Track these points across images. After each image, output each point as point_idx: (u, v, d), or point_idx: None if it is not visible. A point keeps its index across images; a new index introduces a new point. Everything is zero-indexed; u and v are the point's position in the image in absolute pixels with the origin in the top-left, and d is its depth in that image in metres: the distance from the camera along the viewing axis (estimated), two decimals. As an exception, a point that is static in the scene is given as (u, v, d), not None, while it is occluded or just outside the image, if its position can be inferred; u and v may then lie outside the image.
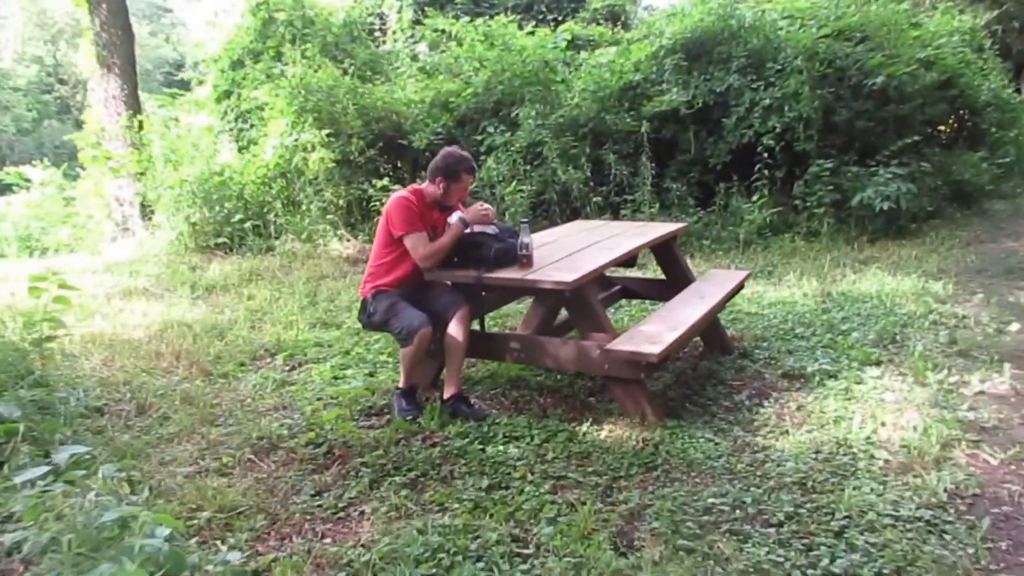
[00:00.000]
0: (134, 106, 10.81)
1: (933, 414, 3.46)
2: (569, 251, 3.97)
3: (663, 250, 4.68)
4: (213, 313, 6.09)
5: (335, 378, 4.46)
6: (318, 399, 4.10)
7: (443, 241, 3.67)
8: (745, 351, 4.58)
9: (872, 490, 2.86)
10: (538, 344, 3.71)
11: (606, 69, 9.16)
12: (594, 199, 8.19)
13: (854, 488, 2.87)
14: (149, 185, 9.49)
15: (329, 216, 8.42)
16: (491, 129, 9.03)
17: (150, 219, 10.01)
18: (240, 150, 9.95)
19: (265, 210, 8.69)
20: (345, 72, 9.50)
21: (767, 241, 7.85)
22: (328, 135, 8.55)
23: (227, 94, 11.07)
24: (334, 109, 8.83)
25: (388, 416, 3.81)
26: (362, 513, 2.87)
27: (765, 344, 4.69)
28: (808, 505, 2.76)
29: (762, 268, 6.94)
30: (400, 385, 3.79)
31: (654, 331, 3.51)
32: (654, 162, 8.33)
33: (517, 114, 8.84)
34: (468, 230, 3.76)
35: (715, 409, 3.74)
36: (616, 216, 8.26)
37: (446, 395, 3.72)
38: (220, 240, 8.47)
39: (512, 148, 8.54)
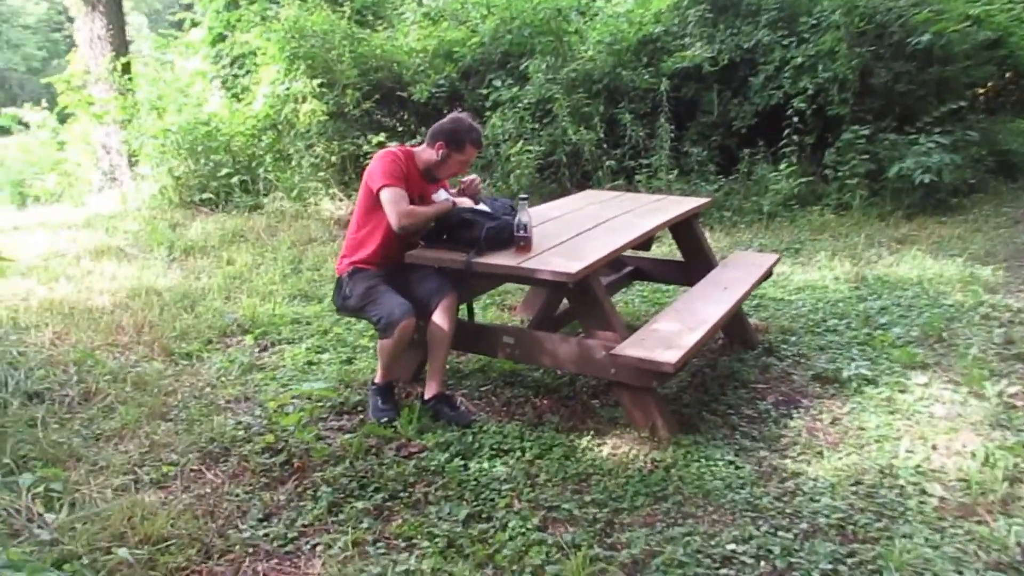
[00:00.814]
0: (120, 47, 10.21)
1: (995, 437, 2.98)
2: (575, 231, 3.46)
3: (683, 228, 4.16)
4: (188, 279, 5.63)
5: (309, 363, 4.01)
6: (285, 388, 3.66)
7: (425, 210, 3.20)
8: (771, 346, 4.09)
9: (927, 540, 2.39)
10: (535, 340, 3.23)
11: (624, 20, 8.49)
12: (607, 162, 7.62)
13: (904, 536, 2.41)
14: (133, 134, 8.96)
15: (321, 173, 7.89)
16: (497, 83, 8.43)
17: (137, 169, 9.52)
18: (236, 98, 9.38)
19: (254, 164, 8.17)
20: (344, 15, 8.85)
21: (793, 214, 7.29)
22: (320, 85, 7.97)
23: (221, 37, 10.45)
24: (329, 56, 8.22)
25: (361, 415, 3.36)
26: (314, 547, 2.42)
27: (793, 338, 4.19)
28: (850, 560, 2.30)
29: (788, 245, 6.40)
30: (376, 380, 3.33)
31: (670, 331, 3.02)
32: (673, 124, 7.73)
33: (526, 67, 8.23)
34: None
35: (736, 420, 3.26)
36: (630, 182, 7.70)
37: (427, 394, 3.26)
38: (205, 196, 7.97)
39: (520, 104, 7.96)
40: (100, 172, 10.48)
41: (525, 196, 3.13)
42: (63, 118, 11.26)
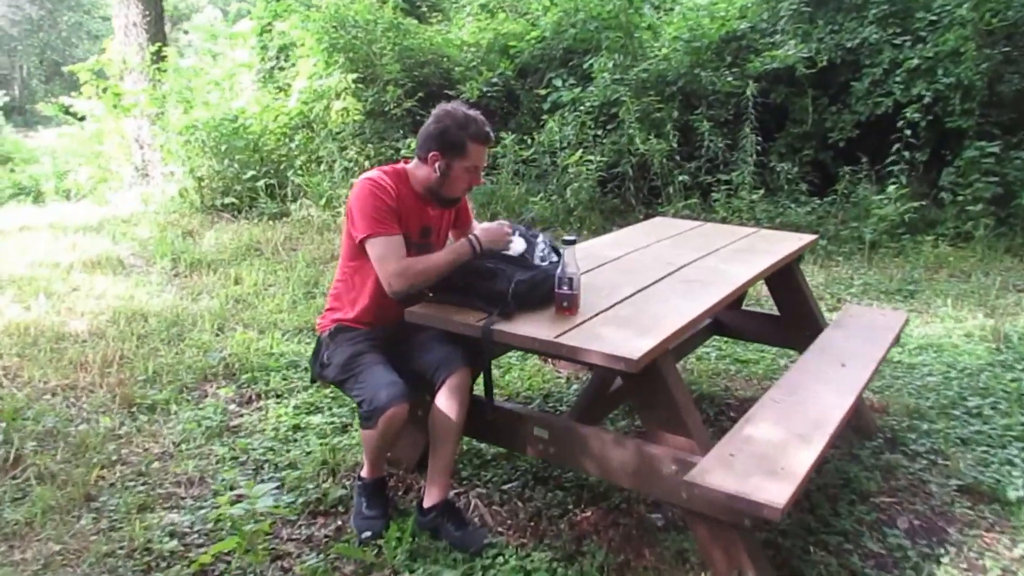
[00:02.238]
0: (157, 35, 9.75)
1: None
2: (638, 282, 2.59)
3: (781, 274, 3.24)
4: (184, 300, 4.95)
5: (295, 428, 3.24)
6: (255, 469, 2.89)
7: (434, 259, 2.36)
8: (893, 434, 3.15)
9: None
10: (577, 437, 2.37)
11: (704, 13, 7.56)
12: (679, 177, 6.70)
13: None
14: (160, 128, 8.43)
15: (354, 180, 7.15)
16: (558, 83, 7.61)
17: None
18: (283, 92, 8.76)
19: (283, 167, 7.51)
20: (389, 4, 8.14)
21: (901, 244, 6.24)
22: (356, 81, 7.26)
23: (268, 28, 9.90)
24: (370, 50, 7.52)
25: (344, 518, 2.56)
26: None
27: (923, 424, 3.23)
28: None
29: (900, 285, 5.38)
30: (363, 475, 2.52)
31: (771, 441, 2.12)
32: (759, 134, 6.75)
33: (590, 65, 7.38)
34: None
35: (857, 562, 2.35)
36: (705, 200, 6.76)
37: (427, 502, 2.43)
38: (228, 200, 7.34)
39: (581, 107, 7.11)
40: (133, 168, 10.04)
41: (572, 238, 2.28)
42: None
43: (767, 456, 2.05)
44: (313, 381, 2.58)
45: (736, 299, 3.18)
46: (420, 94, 7.58)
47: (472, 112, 2.43)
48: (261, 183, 7.29)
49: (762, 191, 6.51)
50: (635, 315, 2.28)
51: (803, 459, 2.03)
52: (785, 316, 3.42)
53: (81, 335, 4.30)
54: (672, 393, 2.18)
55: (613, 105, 7.07)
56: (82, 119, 13.21)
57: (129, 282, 5.28)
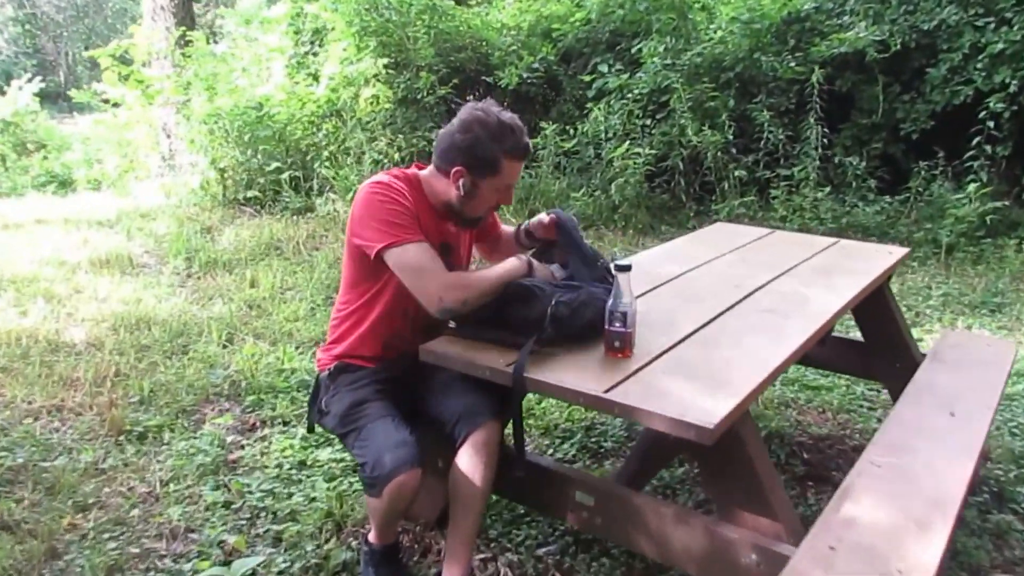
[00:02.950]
0: (185, 19, 9.48)
1: None
2: (703, 314, 2.14)
3: (869, 296, 2.76)
4: (195, 305, 4.62)
5: (301, 464, 2.86)
6: (250, 517, 2.52)
7: (487, 275, 1.94)
8: (1000, 487, 2.67)
9: None
10: (628, 507, 1.94)
11: (765, -8, 7.00)
12: (735, 171, 6.18)
13: None
14: (184, 117, 8.15)
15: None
16: (604, 68, 7.13)
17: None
18: (314, 78, 8.40)
19: (309, 158, 7.16)
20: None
21: (981, 249, 5.66)
22: (387, 66, 6.87)
23: (302, 11, 9.54)
24: (403, 33, 7.11)
25: (344, 590, 2.17)
26: None
27: (1039, 478, 2.74)
28: None
29: (983, 297, 4.83)
30: (371, 539, 2.11)
31: (882, 528, 1.67)
32: (825, 125, 6.20)
33: (639, 50, 6.88)
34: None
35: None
36: (762, 196, 6.23)
37: (445, 580, 2.02)
38: (252, 194, 7.02)
39: (629, 95, 6.63)
40: (160, 157, 9.81)
41: (626, 263, 1.85)
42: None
43: (877, 552, 1.60)
44: (310, 429, 2.17)
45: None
46: (455, 81, 7.16)
47: (508, 118, 1.97)
48: (286, 175, 6.95)
49: (828, 189, 5.96)
50: (703, 360, 1.83)
51: (925, 558, 1.58)
52: (871, 343, 2.95)
53: (77, 346, 3.99)
54: (753, 465, 1.73)
55: (663, 93, 6.58)
56: (115, 106, 13.04)
57: (137, 283, 4.97)
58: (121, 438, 3.07)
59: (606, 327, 1.83)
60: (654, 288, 2.36)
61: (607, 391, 1.66)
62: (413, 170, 2.08)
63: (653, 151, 6.28)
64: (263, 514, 2.55)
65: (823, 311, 2.16)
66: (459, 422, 1.93)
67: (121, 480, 2.79)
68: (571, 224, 2.14)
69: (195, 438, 3.07)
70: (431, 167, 2.06)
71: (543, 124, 6.79)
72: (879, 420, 3.17)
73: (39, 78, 14.47)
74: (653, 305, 2.20)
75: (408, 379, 2.07)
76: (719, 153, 6.19)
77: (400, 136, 6.91)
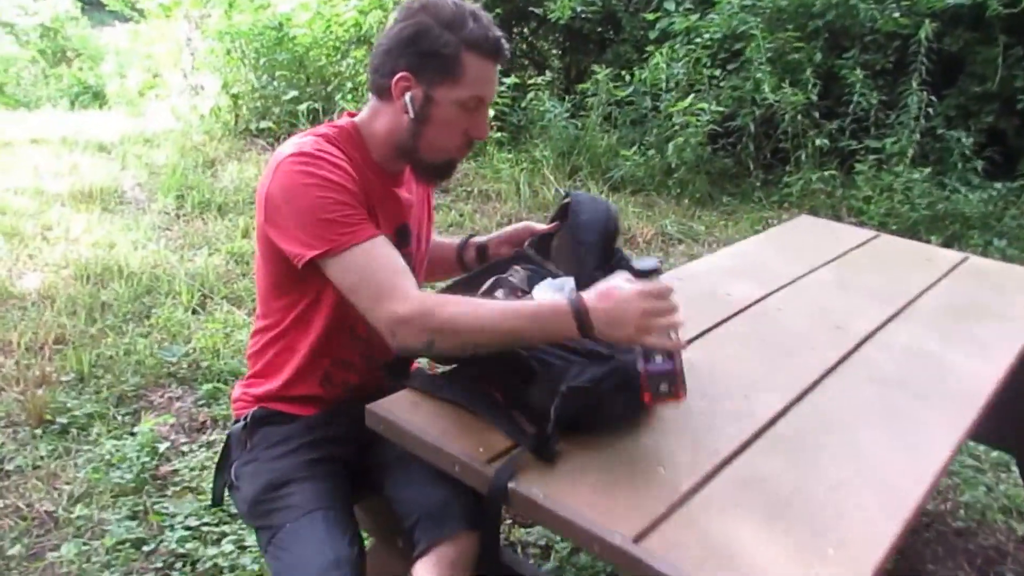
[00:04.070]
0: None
1: None
2: (787, 383, 1.48)
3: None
4: (174, 253, 4.07)
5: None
6: (161, 568, 1.98)
7: (491, 312, 1.23)
8: None
9: None
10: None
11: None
12: (816, 139, 5.37)
13: None
14: (203, 34, 7.54)
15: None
16: (670, 6, 6.30)
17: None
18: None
19: (331, 89, 6.50)
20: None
21: (1109, 251, 4.84)
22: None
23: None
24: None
25: None
26: None
27: None
28: None
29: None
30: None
31: None
32: (929, 90, 5.34)
33: (714, -14, 6.04)
34: (507, 290, 1.38)
35: None
36: (845, 171, 5.43)
37: None
38: (265, 124, 6.41)
39: (698, 40, 5.81)
40: (181, 74, 9.25)
41: (652, 265, 1.20)
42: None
43: None
44: (215, 503, 1.57)
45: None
46: (498, 10, 6.37)
47: (470, 5, 1.33)
48: (304, 106, 6.31)
49: (928, 168, 5.13)
50: (794, 483, 1.18)
51: None
52: (1008, 402, 2.26)
53: (28, 297, 3.48)
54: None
55: (738, 39, 5.75)
56: (143, 15, 12.43)
57: (117, 223, 4.44)
58: (39, 431, 2.55)
59: (642, 366, 1.18)
60: (716, 325, 1.70)
61: (640, 538, 1.03)
62: (345, 119, 1.42)
63: (720, 108, 5.49)
64: (180, 565, 2.01)
65: (974, 393, 1.49)
66: (420, 524, 1.32)
67: (22, 491, 2.28)
68: (599, 216, 1.49)
69: (128, 437, 2.54)
70: (367, 107, 1.41)
71: (595, 67, 6.02)
72: (989, 492, 2.50)
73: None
74: (713, 355, 1.55)
75: (357, 437, 1.45)
76: (798, 116, 5.38)
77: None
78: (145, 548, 2.05)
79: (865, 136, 5.42)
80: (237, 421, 1.51)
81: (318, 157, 1.28)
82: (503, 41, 1.33)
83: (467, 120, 1.34)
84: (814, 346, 1.61)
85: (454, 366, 1.37)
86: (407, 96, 1.31)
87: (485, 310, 1.23)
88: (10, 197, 4.67)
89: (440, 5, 1.30)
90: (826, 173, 5.28)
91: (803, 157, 5.38)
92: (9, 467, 2.38)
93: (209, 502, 2.20)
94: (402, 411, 1.30)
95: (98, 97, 11.27)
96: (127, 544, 2.05)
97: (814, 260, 2.16)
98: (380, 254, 1.27)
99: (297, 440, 1.43)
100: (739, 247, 2.32)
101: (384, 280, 1.25)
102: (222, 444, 1.53)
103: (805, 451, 1.26)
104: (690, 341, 1.60)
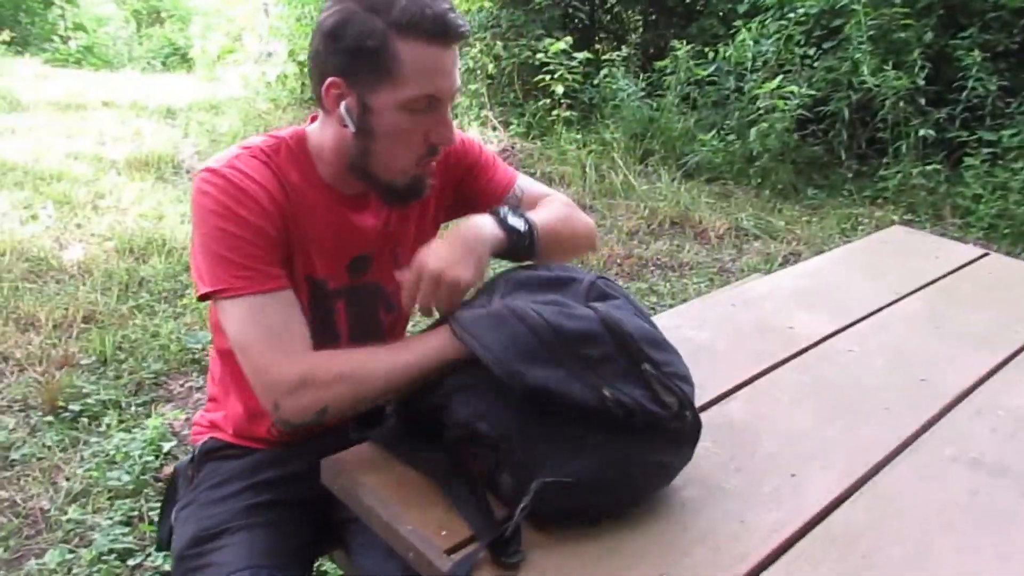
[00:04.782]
0: None
1: None
2: (852, 464, 1.20)
3: None
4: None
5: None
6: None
7: (379, 361, 1.03)
8: None
9: None
10: None
11: None
12: (919, 129, 4.88)
13: None
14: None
15: (473, 85, 5.85)
16: (763, -23, 5.84)
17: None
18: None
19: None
20: None
21: None
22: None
23: None
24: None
25: None
26: None
27: None
28: None
29: None
30: None
31: None
32: (1055, 77, 4.78)
33: (813, -43, 5.55)
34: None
35: None
36: (952, 165, 4.93)
37: None
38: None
39: (791, 15, 5.36)
40: (258, 40, 9.26)
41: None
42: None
43: None
44: (160, 547, 1.39)
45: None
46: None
47: None
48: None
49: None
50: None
51: None
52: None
53: (67, 269, 3.43)
54: None
55: (837, 15, 5.26)
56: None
57: (169, 194, 4.37)
58: (49, 419, 2.46)
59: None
60: (769, 369, 1.41)
61: None
62: (303, 127, 1.19)
63: (812, 91, 5.05)
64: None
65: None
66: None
67: (23, 484, 2.19)
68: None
69: (136, 429, 2.42)
70: (321, 115, 1.16)
71: (674, 43, 5.64)
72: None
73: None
74: (759, 410, 1.28)
75: (312, 480, 1.23)
76: (900, 102, 4.89)
77: (499, 44, 5.91)
78: (131, 561, 1.92)
79: (979, 127, 4.89)
80: (195, 447, 1.33)
81: (228, 180, 1.06)
82: (450, 16, 1.03)
83: (423, 124, 1.08)
84: (889, 406, 1.32)
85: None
86: (342, 106, 1.07)
87: (373, 353, 1.05)
88: (69, 163, 4.67)
89: None
90: (929, 167, 4.79)
91: (903, 148, 4.90)
92: (15, 456, 2.29)
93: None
94: (360, 471, 1.08)
95: (186, 60, 11.43)
96: (113, 555, 1.92)
97: (902, 285, 1.84)
98: (273, 312, 1.05)
99: (241, 481, 1.23)
100: (812, 264, 2.01)
101: (267, 348, 1.03)
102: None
103: (862, 559, 0.98)
104: (735, 389, 1.34)
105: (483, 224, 1.08)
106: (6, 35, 6.42)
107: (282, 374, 1.01)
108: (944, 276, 1.91)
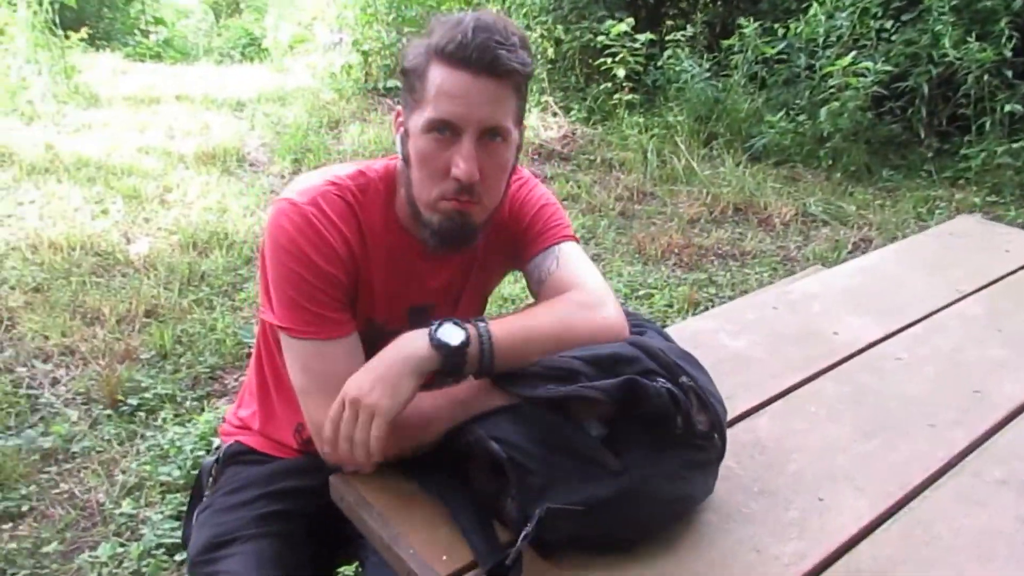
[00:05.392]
0: None
1: None
2: (890, 485, 1.12)
3: None
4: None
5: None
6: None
7: (425, 406, 1.02)
8: None
9: None
10: None
11: None
12: (1006, 104, 4.58)
13: None
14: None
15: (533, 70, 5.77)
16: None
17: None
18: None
19: (460, 45, 6.29)
20: None
21: None
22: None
23: None
24: None
25: None
26: None
27: None
28: None
29: None
30: None
31: None
32: None
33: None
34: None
35: None
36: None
37: None
38: (392, 83, 6.31)
39: (866, -14, 5.10)
40: (327, 30, 9.37)
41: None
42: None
43: None
44: (185, 547, 1.43)
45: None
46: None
47: (484, 12, 1.05)
48: (405, 39, 6.16)
49: None
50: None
51: None
52: None
53: (133, 263, 3.54)
54: None
55: (917, -15, 5.00)
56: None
57: (233, 188, 4.46)
58: (109, 412, 2.54)
59: None
60: (807, 380, 1.34)
61: None
62: (395, 162, 1.17)
63: (888, 67, 4.79)
64: None
65: None
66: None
67: (82, 476, 2.27)
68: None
69: (190, 423, 2.49)
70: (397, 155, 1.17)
71: (741, 21, 5.43)
72: None
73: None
74: (791, 425, 1.21)
75: (310, 514, 1.24)
76: (985, 75, 4.60)
77: (559, 27, 5.80)
78: (178, 556, 1.97)
79: (1071, 100, 4.58)
80: (223, 448, 1.36)
81: (307, 221, 1.07)
82: (498, 51, 0.99)
83: (447, 154, 1.04)
84: (935, 421, 1.23)
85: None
86: (398, 136, 1.10)
87: (418, 407, 1.02)
88: (140, 157, 4.81)
89: (442, 18, 1.05)
90: (1016, 145, 4.50)
91: (988, 125, 4.62)
92: (76, 448, 2.37)
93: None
94: (367, 489, 1.06)
95: (262, 50, 11.68)
96: (161, 550, 1.98)
97: (963, 284, 1.72)
98: (333, 359, 1.07)
99: (257, 488, 1.25)
100: (866, 260, 1.90)
101: (323, 396, 1.04)
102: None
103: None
104: (768, 402, 1.27)
105: (408, 343, 1.00)
106: (84, 32, 6.61)
107: (318, 420, 1.04)
108: (1010, 273, 1.78)
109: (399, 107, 1.11)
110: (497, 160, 1.07)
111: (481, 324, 1.02)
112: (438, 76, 1.01)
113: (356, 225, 1.11)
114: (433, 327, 1.00)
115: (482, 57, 0.99)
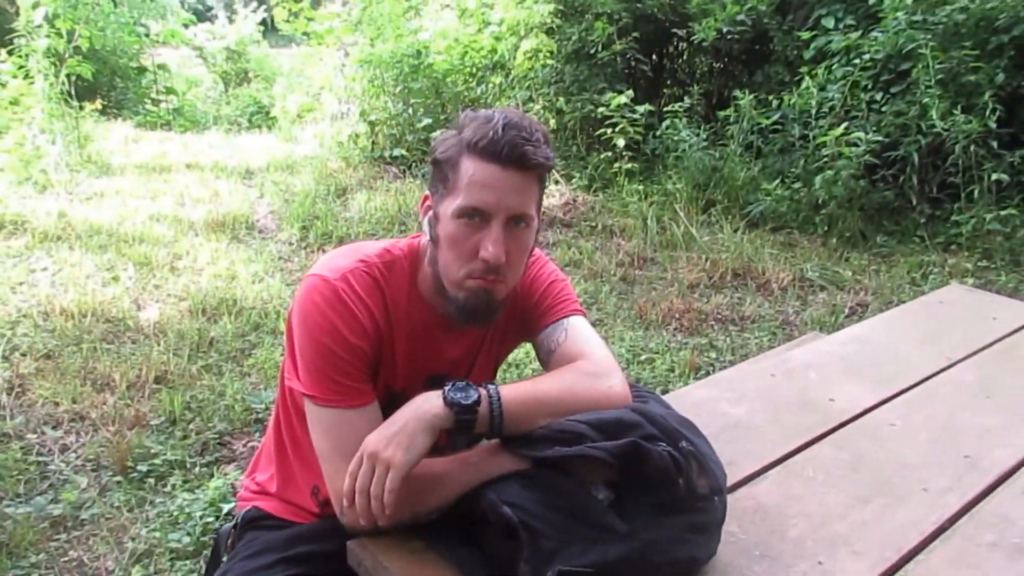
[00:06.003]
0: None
1: None
2: (893, 538, 1.17)
3: None
4: (289, 287, 4.14)
5: None
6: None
7: (440, 471, 1.10)
8: None
9: None
10: None
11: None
12: (992, 173, 4.72)
13: None
14: (352, 59, 7.77)
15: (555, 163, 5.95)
16: (829, 22, 5.80)
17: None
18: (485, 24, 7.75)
19: (464, 116, 6.49)
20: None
21: None
22: (558, 13, 5.97)
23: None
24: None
25: None
26: None
27: None
28: None
29: None
30: None
31: None
32: None
33: (880, 0, 5.48)
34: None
35: None
36: (1027, 209, 4.74)
37: None
38: (399, 152, 6.48)
39: (857, 60, 5.29)
40: (335, 100, 9.64)
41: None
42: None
43: None
44: None
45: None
46: (636, 33, 6.10)
47: (512, 111, 1.16)
48: (437, 133, 6.33)
49: None
50: None
51: None
52: None
53: (144, 330, 3.60)
54: None
55: (904, 59, 5.17)
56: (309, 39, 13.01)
57: (242, 254, 4.56)
58: (119, 479, 2.57)
59: None
60: (804, 447, 1.39)
61: None
62: (419, 240, 1.28)
63: (879, 137, 4.94)
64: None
65: None
66: None
67: (91, 544, 2.29)
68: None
69: (199, 489, 2.52)
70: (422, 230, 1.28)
71: (737, 93, 5.62)
72: None
73: (263, 6, 14.88)
74: (790, 490, 1.25)
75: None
76: (972, 146, 4.75)
77: (561, 99, 6.01)
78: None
79: (1057, 169, 4.71)
80: (238, 513, 1.40)
81: (338, 296, 1.16)
82: (525, 147, 1.11)
83: (475, 237, 1.13)
84: (928, 485, 1.28)
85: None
86: (426, 219, 1.21)
87: (432, 472, 1.10)
88: (151, 225, 4.93)
89: (472, 114, 1.16)
90: (1004, 211, 4.61)
91: (976, 193, 4.74)
92: (85, 515, 2.40)
93: None
94: (385, 555, 1.11)
95: (269, 117, 11.96)
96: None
97: (954, 350, 1.78)
98: (354, 427, 1.13)
99: (274, 553, 1.28)
100: (859, 329, 1.96)
101: (342, 461, 1.11)
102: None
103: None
104: (767, 468, 1.32)
105: (423, 402, 1.07)
106: (98, 103, 6.82)
107: (337, 487, 1.11)
108: (1001, 339, 1.84)
109: (428, 192, 1.22)
110: (520, 244, 1.17)
111: (492, 387, 1.10)
112: (470, 168, 1.12)
113: (382, 300, 1.20)
114: (447, 387, 1.08)
115: (511, 152, 1.10)
